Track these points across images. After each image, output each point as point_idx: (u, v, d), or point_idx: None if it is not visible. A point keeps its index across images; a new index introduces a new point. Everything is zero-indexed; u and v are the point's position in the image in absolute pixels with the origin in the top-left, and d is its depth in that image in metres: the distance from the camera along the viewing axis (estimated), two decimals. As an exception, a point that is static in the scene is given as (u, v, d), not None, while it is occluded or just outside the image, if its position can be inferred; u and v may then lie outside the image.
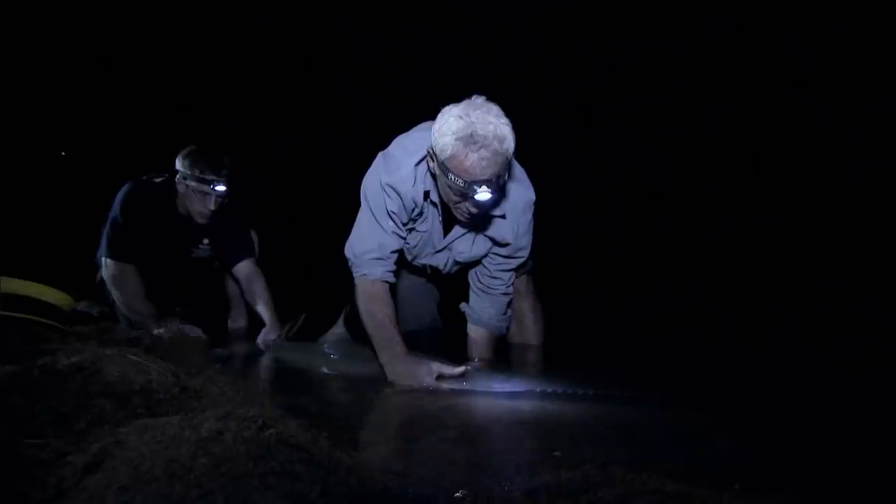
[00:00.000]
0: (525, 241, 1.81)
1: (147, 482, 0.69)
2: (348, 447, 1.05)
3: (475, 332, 1.92)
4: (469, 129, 1.44)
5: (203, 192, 2.29)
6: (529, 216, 1.79)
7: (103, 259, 2.33)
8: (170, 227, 2.38)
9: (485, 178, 1.46)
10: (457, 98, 1.54)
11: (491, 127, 1.44)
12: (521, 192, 1.75)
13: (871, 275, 3.08)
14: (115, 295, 2.31)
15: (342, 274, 1.89)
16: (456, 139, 1.45)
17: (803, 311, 2.76)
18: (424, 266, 1.99)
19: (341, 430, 1.20)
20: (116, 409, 1.09)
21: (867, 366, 1.87)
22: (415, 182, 1.69)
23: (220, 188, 2.29)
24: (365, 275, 1.74)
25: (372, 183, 1.74)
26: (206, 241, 2.48)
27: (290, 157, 4.44)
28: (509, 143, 1.47)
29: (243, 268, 2.49)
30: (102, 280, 2.46)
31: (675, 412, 1.39)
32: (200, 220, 2.36)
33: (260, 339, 2.29)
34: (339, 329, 1.98)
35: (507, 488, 0.89)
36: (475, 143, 1.43)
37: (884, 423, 1.31)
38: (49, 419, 1.03)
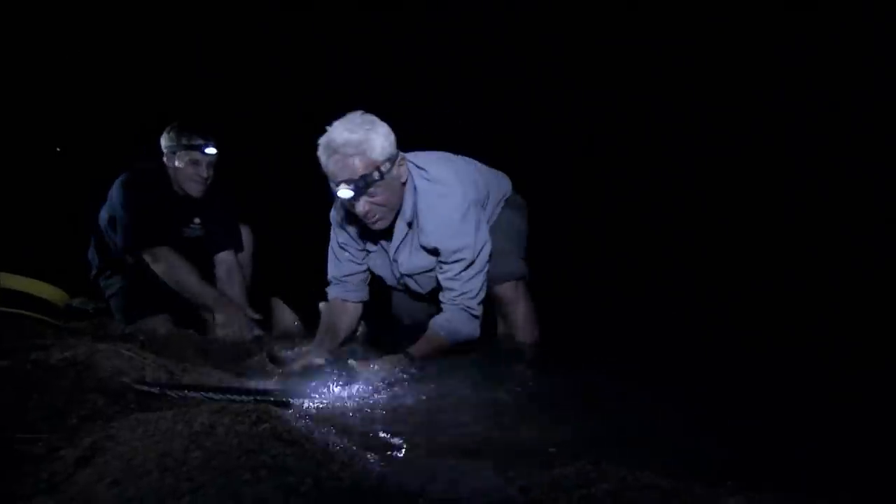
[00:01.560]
0: (457, 243, 1.81)
1: (139, 476, 0.69)
2: (344, 442, 1.05)
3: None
4: (326, 138, 1.66)
5: (194, 161, 2.28)
6: (458, 216, 1.80)
7: (142, 255, 2.26)
8: (167, 208, 2.35)
9: (342, 179, 1.64)
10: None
11: (346, 134, 1.63)
12: (443, 194, 1.81)
13: (872, 274, 3.09)
14: (175, 286, 2.25)
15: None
16: (321, 149, 1.67)
17: (802, 310, 2.76)
18: (402, 285, 2.08)
19: (338, 425, 1.20)
20: (109, 404, 1.09)
21: (866, 365, 1.88)
22: None
23: (211, 150, 2.29)
24: (330, 297, 2.04)
25: (331, 218, 2.01)
26: (196, 220, 2.45)
27: (292, 159, 4.44)
28: (365, 147, 1.64)
29: (224, 258, 2.47)
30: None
31: (666, 409, 1.40)
32: (196, 193, 2.33)
33: (220, 326, 2.23)
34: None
35: (501, 484, 0.88)
36: (330, 148, 1.64)
37: (883, 422, 1.31)
38: (42, 414, 1.02)
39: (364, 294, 2.07)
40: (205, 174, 2.31)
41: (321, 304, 2.12)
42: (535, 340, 2.17)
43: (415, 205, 1.82)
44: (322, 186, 1.78)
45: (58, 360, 1.15)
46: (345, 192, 1.65)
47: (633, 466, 0.86)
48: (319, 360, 1.72)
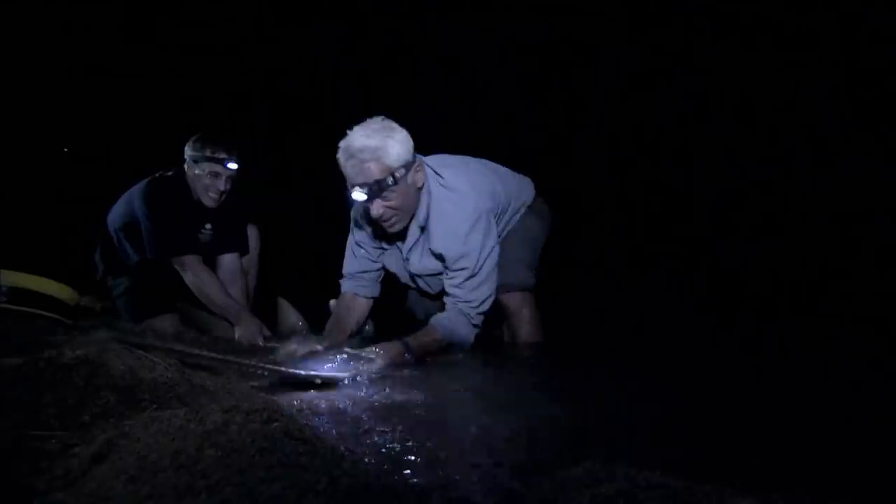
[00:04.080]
0: (461, 251, 1.85)
1: (154, 473, 0.70)
2: (353, 439, 1.06)
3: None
4: (345, 142, 1.75)
5: (214, 173, 2.33)
6: (467, 227, 1.84)
7: (176, 266, 2.32)
8: (187, 215, 2.41)
9: (357, 182, 1.73)
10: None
11: (363, 140, 1.72)
12: (456, 202, 1.85)
13: (872, 274, 3.08)
14: (199, 296, 2.32)
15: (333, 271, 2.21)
16: (340, 152, 1.76)
17: (801, 310, 2.76)
18: (414, 283, 2.15)
19: (345, 423, 1.21)
20: (121, 401, 1.10)
21: (870, 364, 1.87)
22: None
23: (232, 165, 2.35)
24: (342, 291, 2.14)
25: (351, 216, 2.09)
26: (208, 226, 2.50)
27: (294, 160, 4.46)
28: (381, 153, 1.72)
29: (228, 260, 2.52)
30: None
31: (673, 410, 1.40)
32: (211, 204, 2.40)
33: (238, 335, 2.27)
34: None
35: (509, 482, 0.89)
36: (347, 152, 1.73)
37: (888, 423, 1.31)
38: (55, 411, 1.03)
39: (375, 290, 2.15)
40: (222, 187, 2.36)
41: (331, 302, 2.18)
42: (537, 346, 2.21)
43: (428, 209, 1.86)
44: (329, 187, 1.84)
45: (70, 359, 1.16)
46: (358, 195, 1.74)
47: (641, 466, 0.87)
48: (318, 347, 1.77)
